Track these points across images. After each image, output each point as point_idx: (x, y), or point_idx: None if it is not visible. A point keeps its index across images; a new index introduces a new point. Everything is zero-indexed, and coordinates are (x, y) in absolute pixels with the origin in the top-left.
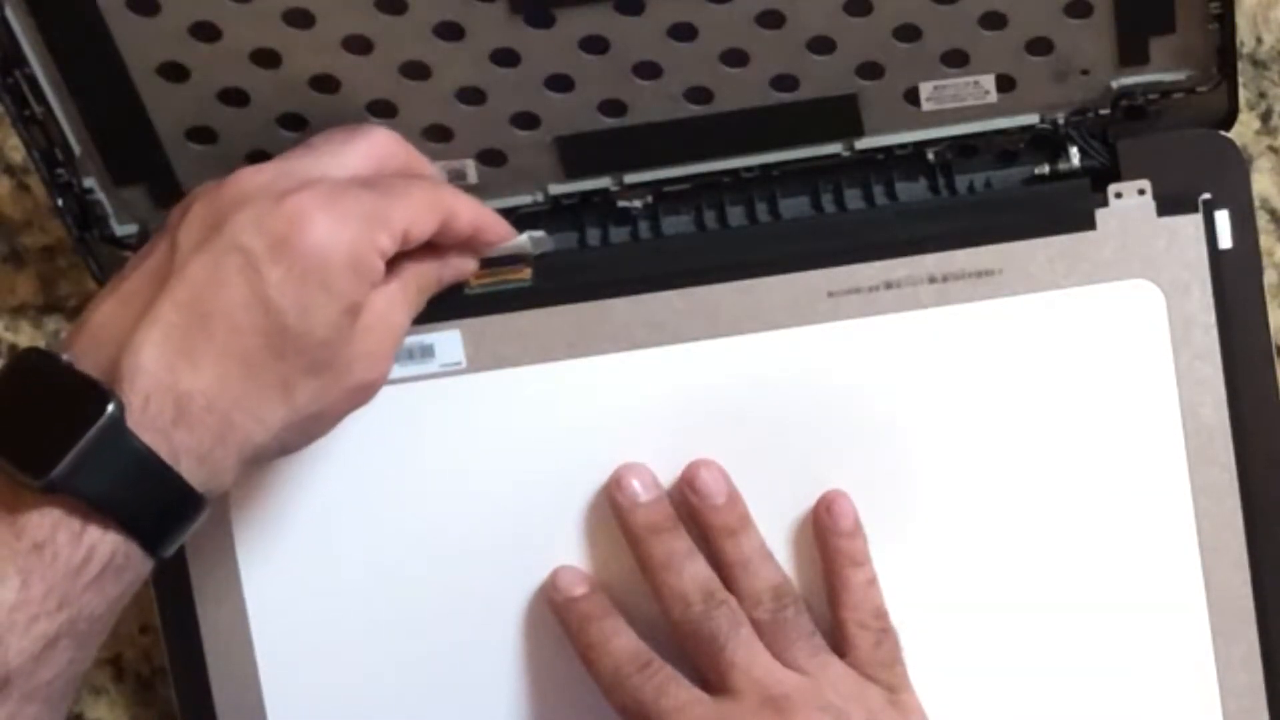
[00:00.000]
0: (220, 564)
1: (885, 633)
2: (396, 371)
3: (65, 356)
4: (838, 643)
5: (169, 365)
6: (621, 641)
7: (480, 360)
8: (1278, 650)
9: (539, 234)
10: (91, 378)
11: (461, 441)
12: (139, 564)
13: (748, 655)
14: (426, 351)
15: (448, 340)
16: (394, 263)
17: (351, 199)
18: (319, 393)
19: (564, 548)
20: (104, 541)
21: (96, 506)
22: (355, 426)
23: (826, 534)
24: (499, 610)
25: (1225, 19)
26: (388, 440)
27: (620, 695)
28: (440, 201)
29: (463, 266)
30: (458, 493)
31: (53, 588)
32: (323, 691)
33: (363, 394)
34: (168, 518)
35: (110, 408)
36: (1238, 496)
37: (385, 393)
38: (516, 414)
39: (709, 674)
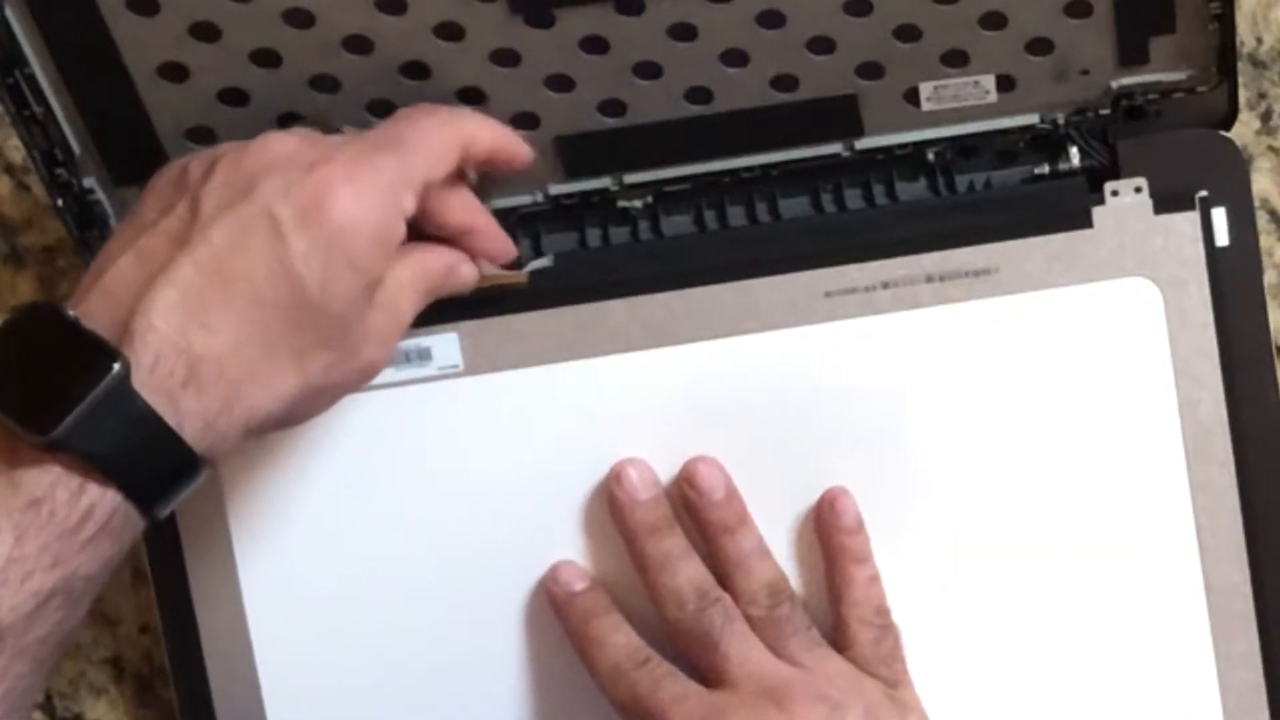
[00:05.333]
0: (218, 566)
1: (887, 629)
2: (394, 374)
3: (73, 312)
4: (838, 639)
5: (182, 326)
6: (620, 638)
7: (478, 363)
8: (1277, 647)
9: (542, 262)
10: (98, 335)
11: (459, 444)
12: (134, 525)
13: (742, 649)
14: (424, 354)
15: (445, 343)
16: (406, 252)
17: (371, 168)
18: (329, 367)
19: (561, 549)
20: (102, 501)
21: (96, 466)
22: (354, 429)
23: (829, 531)
24: (496, 611)
25: (1225, 19)
26: (386, 443)
27: (618, 690)
28: (456, 130)
29: (467, 275)
30: (456, 495)
31: (47, 545)
32: (321, 691)
33: (366, 374)
34: (166, 480)
35: (116, 367)
36: (1236, 494)
37: (383, 395)
38: (514, 416)
39: (705, 670)
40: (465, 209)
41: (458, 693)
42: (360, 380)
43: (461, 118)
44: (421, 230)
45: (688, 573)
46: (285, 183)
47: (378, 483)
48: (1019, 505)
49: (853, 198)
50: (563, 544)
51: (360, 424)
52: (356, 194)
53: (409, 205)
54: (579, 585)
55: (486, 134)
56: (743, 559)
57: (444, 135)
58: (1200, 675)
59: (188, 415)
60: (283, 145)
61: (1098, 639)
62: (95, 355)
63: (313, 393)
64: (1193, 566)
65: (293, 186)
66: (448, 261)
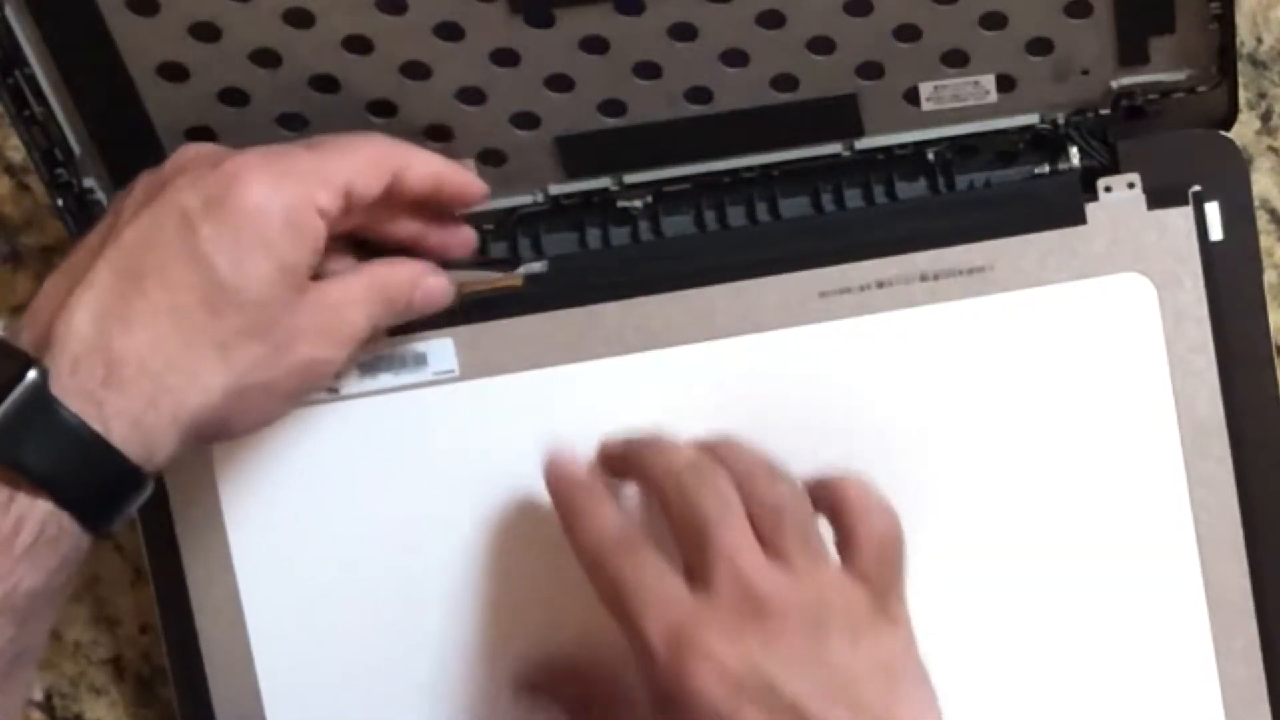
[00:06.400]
0: (215, 568)
1: (893, 541)
2: (390, 380)
3: (1, 333)
4: (839, 546)
5: (100, 327)
6: (608, 517)
7: (473, 368)
8: (1277, 643)
9: (536, 266)
10: (13, 345)
11: (455, 449)
12: (74, 537)
13: (733, 544)
14: (419, 360)
15: (440, 348)
16: (361, 266)
17: (288, 158)
18: (261, 361)
19: (559, 550)
20: (33, 511)
21: (24, 475)
22: (350, 433)
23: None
24: (496, 613)
25: (1225, 19)
26: (382, 448)
27: (600, 575)
28: (387, 157)
29: (436, 288)
30: (452, 500)
31: None
32: (319, 693)
33: (310, 373)
34: (100, 488)
35: (32, 374)
36: (1234, 489)
37: (379, 401)
38: (510, 421)
39: (692, 561)
40: (413, 214)
41: (457, 692)
42: (303, 379)
43: (395, 144)
44: (381, 244)
45: (686, 454)
46: (194, 178)
47: (374, 486)
48: (1016, 503)
49: (853, 198)
50: (560, 544)
51: (356, 428)
52: (265, 181)
53: (324, 200)
54: (573, 466)
55: (423, 165)
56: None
57: (370, 150)
58: (1200, 671)
59: (114, 416)
60: (196, 149)
61: (1097, 636)
62: (11, 365)
63: (246, 389)
64: (1191, 563)
65: (201, 180)
66: (409, 273)
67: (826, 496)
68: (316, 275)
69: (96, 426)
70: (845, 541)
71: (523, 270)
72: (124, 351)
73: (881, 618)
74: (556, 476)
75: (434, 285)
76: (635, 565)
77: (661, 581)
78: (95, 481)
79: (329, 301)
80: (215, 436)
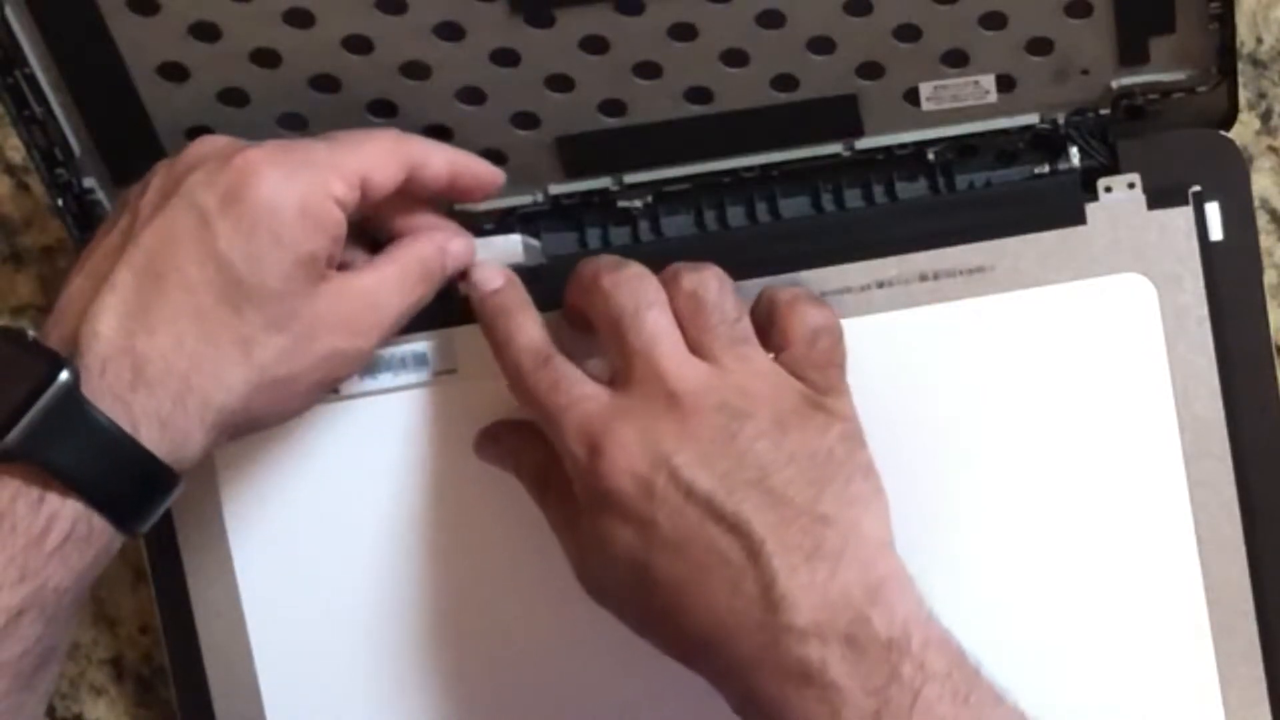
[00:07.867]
0: (216, 568)
1: (825, 331)
2: (390, 380)
3: (31, 334)
4: (773, 340)
5: (125, 329)
6: (524, 338)
7: (474, 367)
8: (1277, 643)
9: (534, 243)
10: (46, 347)
11: (456, 449)
12: (104, 536)
13: (653, 338)
14: (420, 359)
15: (441, 347)
16: (393, 247)
17: (302, 150)
18: (284, 353)
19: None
20: (64, 510)
21: (55, 475)
22: (350, 432)
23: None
24: (494, 609)
25: (1225, 19)
26: (382, 447)
27: (521, 391)
28: (404, 149)
29: (461, 249)
30: (452, 500)
31: (13, 559)
32: (320, 693)
33: (336, 363)
34: (131, 488)
35: (64, 375)
36: (1234, 488)
37: (379, 401)
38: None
39: (614, 362)
40: (427, 206)
41: (455, 692)
42: (332, 369)
43: (411, 138)
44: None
45: (608, 255)
46: (208, 174)
47: (373, 485)
48: (1016, 503)
49: (853, 198)
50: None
51: (357, 428)
52: (279, 174)
53: (339, 190)
54: (494, 284)
55: (441, 158)
56: (674, 271)
57: (385, 144)
58: (1200, 670)
59: (142, 417)
60: (210, 144)
61: (1097, 635)
62: (44, 366)
63: (272, 382)
64: (1191, 562)
65: (215, 176)
66: (434, 244)
67: (760, 304)
68: (342, 266)
69: (126, 427)
70: (777, 336)
71: (517, 238)
72: (149, 353)
73: (816, 411)
74: (478, 304)
75: (460, 247)
76: (552, 379)
77: (575, 386)
78: (126, 482)
79: (357, 290)
80: (244, 431)
